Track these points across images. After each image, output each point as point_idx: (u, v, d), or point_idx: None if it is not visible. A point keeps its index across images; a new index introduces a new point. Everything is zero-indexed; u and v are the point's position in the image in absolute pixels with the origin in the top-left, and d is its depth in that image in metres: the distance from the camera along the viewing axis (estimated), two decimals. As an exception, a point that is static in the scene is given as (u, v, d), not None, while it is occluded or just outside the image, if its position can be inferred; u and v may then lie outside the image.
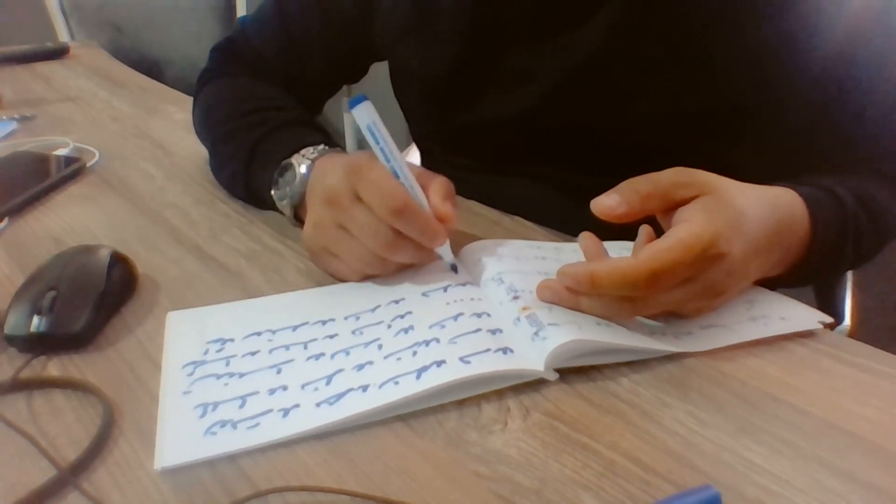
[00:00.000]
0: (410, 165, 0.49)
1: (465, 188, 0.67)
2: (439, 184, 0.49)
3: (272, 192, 0.58)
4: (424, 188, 0.48)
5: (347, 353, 0.43)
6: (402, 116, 0.79)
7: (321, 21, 0.72)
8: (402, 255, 0.47)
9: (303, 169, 0.55)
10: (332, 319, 0.46)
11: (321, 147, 0.57)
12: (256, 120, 0.64)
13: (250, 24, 0.77)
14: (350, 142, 2.30)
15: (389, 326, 0.45)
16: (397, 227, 0.45)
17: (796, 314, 0.46)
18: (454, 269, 0.50)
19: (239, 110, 0.67)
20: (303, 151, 0.57)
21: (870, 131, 0.58)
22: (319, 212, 0.49)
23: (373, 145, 0.47)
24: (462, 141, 0.70)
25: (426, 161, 0.82)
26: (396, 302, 0.47)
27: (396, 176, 0.47)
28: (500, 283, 0.47)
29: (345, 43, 0.73)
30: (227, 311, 0.48)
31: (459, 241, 0.54)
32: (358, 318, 0.46)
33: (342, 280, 0.51)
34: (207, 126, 0.71)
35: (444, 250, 0.49)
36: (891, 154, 0.59)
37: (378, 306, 0.47)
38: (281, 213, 0.59)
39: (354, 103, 0.47)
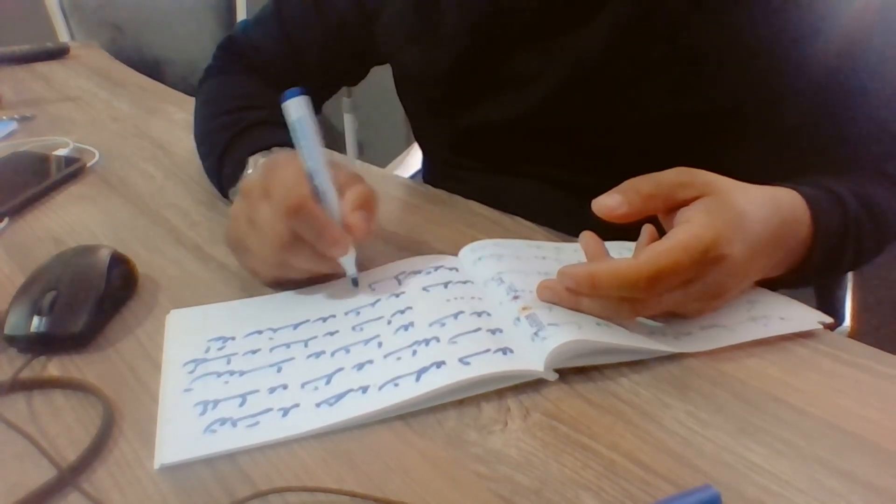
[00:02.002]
0: (344, 170, 0.48)
1: (467, 188, 0.67)
2: (356, 192, 0.48)
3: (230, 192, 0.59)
4: (343, 194, 0.47)
5: (348, 351, 0.43)
6: (403, 116, 0.79)
7: (320, 25, 0.72)
8: (299, 259, 0.46)
9: (250, 169, 0.56)
10: (333, 315, 0.47)
11: (285, 148, 0.56)
12: (230, 120, 0.64)
13: (252, 24, 0.78)
14: (350, 142, 2.30)
15: (389, 322, 0.45)
16: (293, 227, 0.44)
17: (796, 314, 0.46)
18: (354, 283, 0.48)
19: (220, 109, 0.68)
20: (265, 150, 0.57)
21: (870, 132, 0.58)
22: (236, 205, 0.49)
23: (296, 142, 0.46)
24: (465, 142, 0.70)
25: (429, 161, 0.82)
26: (397, 296, 0.47)
27: (312, 177, 0.46)
28: (500, 283, 0.47)
29: (343, 47, 0.73)
30: (228, 310, 0.48)
31: (460, 241, 0.54)
32: (358, 314, 0.46)
33: (257, 278, 0.50)
34: (195, 123, 0.72)
35: (347, 261, 0.47)
36: (891, 154, 0.59)
37: (378, 300, 0.47)
38: None
39: (289, 96, 0.46)
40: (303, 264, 0.47)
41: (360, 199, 0.47)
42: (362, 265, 0.52)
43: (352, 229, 0.46)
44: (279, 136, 0.58)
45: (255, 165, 0.56)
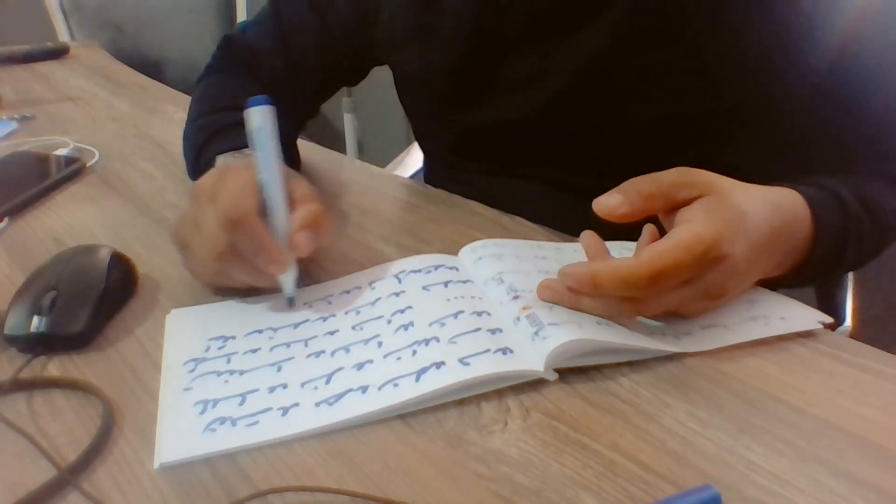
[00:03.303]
0: (302, 185, 0.48)
1: (468, 189, 0.67)
2: (306, 211, 0.46)
3: None
4: (294, 209, 0.47)
5: (348, 351, 0.43)
6: (403, 116, 0.79)
7: (317, 26, 0.72)
8: (235, 271, 0.45)
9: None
10: (333, 315, 0.47)
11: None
12: (207, 122, 0.64)
13: (251, 25, 0.78)
14: (350, 142, 2.30)
15: (389, 322, 0.45)
16: (232, 239, 0.43)
17: (797, 314, 0.46)
18: (290, 302, 0.47)
19: (202, 110, 0.68)
20: (234, 151, 0.57)
21: (871, 131, 0.58)
22: (187, 205, 0.48)
23: (252, 151, 0.46)
24: (465, 143, 0.70)
25: (429, 162, 0.82)
26: (397, 295, 0.47)
27: (264, 189, 0.45)
28: (501, 283, 0.47)
29: (341, 49, 0.73)
30: (228, 309, 0.48)
31: (460, 241, 0.54)
32: (358, 313, 0.46)
33: (197, 280, 0.50)
34: (186, 122, 0.72)
35: (285, 279, 0.46)
36: (892, 154, 0.59)
37: (378, 299, 0.47)
38: None
39: (252, 104, 0.46)
40: (240, 276, 0.46)
41: (309, 217, 0.46)
42: (363, 265, 0.52)
43: (296, 248, 0.45)
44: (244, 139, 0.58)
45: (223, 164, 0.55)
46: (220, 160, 0.57)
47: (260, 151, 0.46)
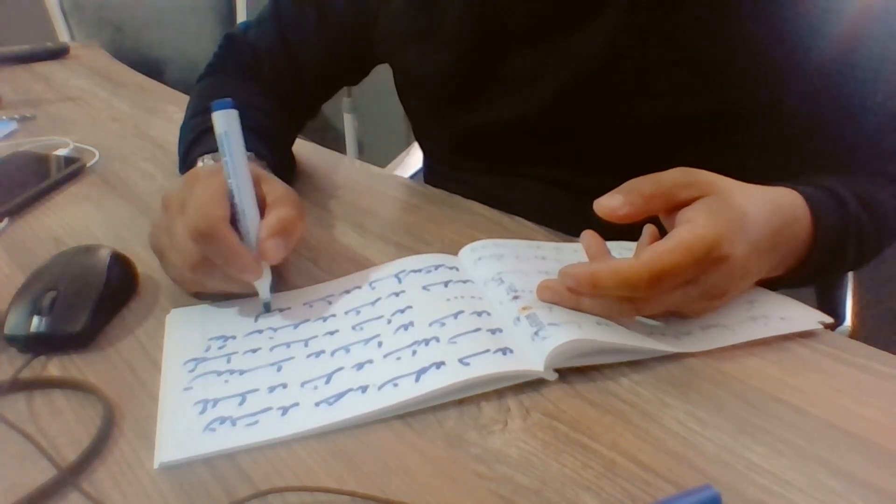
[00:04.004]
0: (275, 188, 0.47)
1: (468, 189, 0.67)
2: (275, 217, 0.46)
3: None
4: (264, 214, 0.46)
5: (347, 351, 0.43)
6: (403, 116, 0.79)
7: (317, 26, 0.72)
8: (210, 280, 0.45)
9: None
10: (333, 315, 0.47)
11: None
12: (198, 121, 0.64)
13: (252, 24, 0.78)
14: (350, 142, 2.30)
15: (389, 322, 0.45)
16: (203, 251, 0.43)
17: (797, 314, 0.46)
18: (266, 308, 0.47)
19: (195, 110, 0.68)
20: (212, 154, 0.56)
21: (870, 132, 0.58)
22: (158, 214, 0.48)
23: (221, 155, 0.45)
24: (466, 143, 0.70)
25: (429, 162, 0.82)
26: (397, 295, 0.47)
27: (233, 195, 0.45)
28: (500, 283, 0.47)
29: (342, 48, 0.73)
30: (229, 309, 0.48)
31: (460, 241, 0.54)
32: (358, 313, 0.46)
33: (177, 285, 0.50)
34: (183, 120, 0.72)
35: (261, 284, 0.46)
36: (892, 154, 0.59)
37: (378, 299, 0.47)
38: None
39: (217, 107, 0.45)
40: (214, 285, 0.46)
41: (276, 225, 0.45)
42: (363, 265, 0.52)
43: (265, 255, 0.45)
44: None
45: (202, 164, 0.54)
46: (200, 162, 0.56)
47: (227, 157, 0.45)
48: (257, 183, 0.47)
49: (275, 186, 0.49)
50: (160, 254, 0.49)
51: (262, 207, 0.47)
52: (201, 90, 0.74)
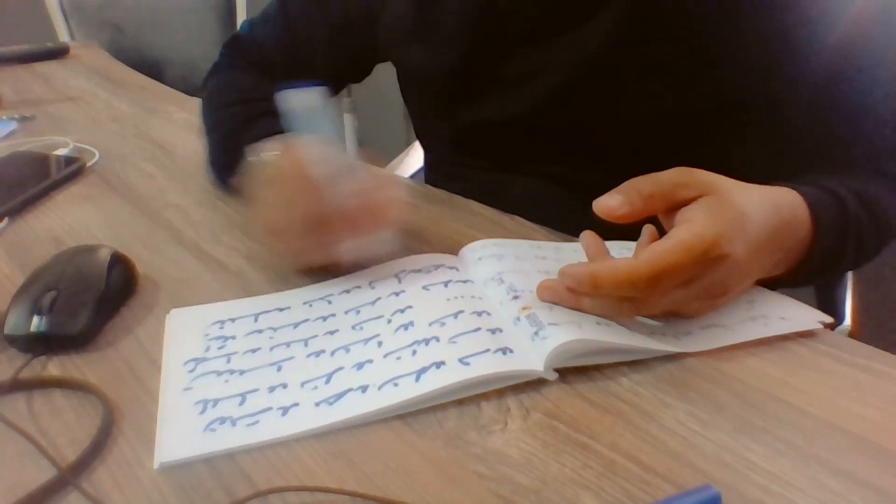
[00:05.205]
0: (352, 158, 0.50)
1: (469, 186, 0.67)
2: (377, 171, 0.49)
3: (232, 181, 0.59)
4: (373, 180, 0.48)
5: (348, 350, 0.43)
6: (403, 116, 0.79)
7: (324, 22, 0.73)
8: (339, 229, 0.47)
9: (255, 156, 0.56)
10: (333, 315, 0.47)
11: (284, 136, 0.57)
12: (230, 113, 0.65)
13: (257, 23, 0.78)
14: (350, 142, 2.30)
15: (389, 321, 0.45)
16: (331, 199, 0.45)
17: (796, 314, 0.46)
18: (388, 246, 0.50)
19: (221, 103, 0.69)
20: (264, 142, 0.57)
21: (870, 130, 0.58)
22: (261, 191, 0.49)
23: (312, 128, 0.47)
24: (467, 140, 0.71)
25: (430, 160, 0.82)
26: (397, 294, 0.47)
27: (331, 159, 0.47)
28: (501, 283, 0.47)
29: (348, 44, 0.74)
30: (229, 309, 0.48)
31: (459, 241, 0.54)
32: (358, 312, 0.46)
33: (290, 263, 0.51)
34: (201, 118, 0.73)
35: (379, 240, 0.49)
36: (892, 154, 0.59)
37: (378, 298, 0.47)
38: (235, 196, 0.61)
39: (305, 86, 0.47)
40: (343, 233, 0.47)
41: (383, 178, 0.49)
42: (363, 264, 0.52)
43: (380, 210, 0.47)
44: (279, 126, 0.58)
45: (262, 154, 0.56)
46: (258, 150, 0.57)
47: (321, 127, 0.47)
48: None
49: (352, 157, 0.51)
50: (272, 230, 0.50)
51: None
52: (222, 85, 0.74)
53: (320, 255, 0.49)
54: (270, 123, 0.60)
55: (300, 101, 0.47)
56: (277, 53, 0.75)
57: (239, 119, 0.63)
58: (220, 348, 0.44)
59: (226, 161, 0.61)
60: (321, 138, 0.47)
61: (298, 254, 0.49)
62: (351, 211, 0.47)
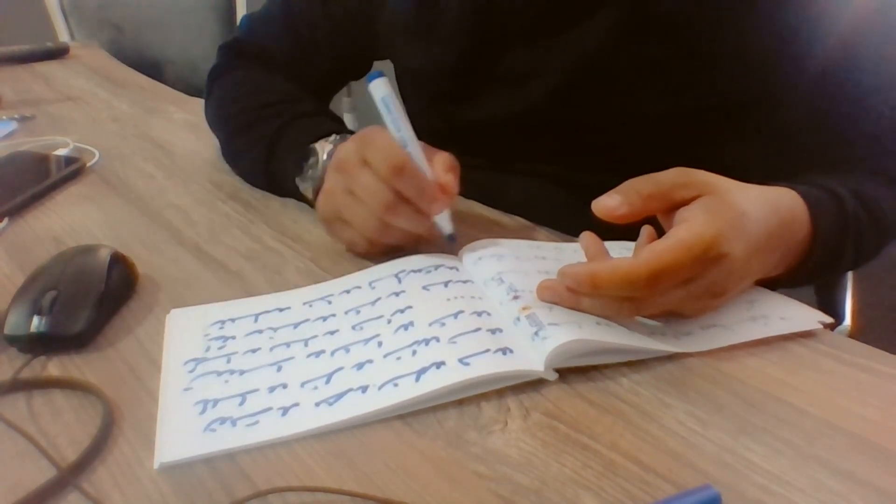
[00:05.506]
0: (420, 143, 0.51)
1: (467, 186, 0.67)
2: (444, 157, 0.51)
3: (296, 179, 0.60)
4: (429, 161, 0.51)
5: (347, 351, 0.43)
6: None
7: (326, 19, 0.73)
8: (401, 220, 0.49)
9: (324, 155, 0.57)
10: (333, 315, 0.47)
11: (342, 135, 0.59)
12: (273, 112, 0.66)
13: (257, 22, 0.78)
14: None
15: (389, 321, 0.45)
16: (397, 187, 0.47)
17: (796, 314, 0.46)
18: (451, 239, 0.51)
19: (257, 103, 0.69)
20: (327, 138, 0.58)
21: (869, 130, 0.58)
22: (331, 180, 0.51)
23: (385, 116, 0.50)
24: (465, 138, 0.70)
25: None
26: (397, 294, 0.47)
27: (404, 146, 0.49)
28: (501, 283, 0.47)
29: (350, 41, 0.74)
30: (229, 309, 0.48)
31: (459, 242, 0.54)
32: (358, 312, 0.46)
33: (353, 250, 0.54)
34: (222, 119, 0.73)
35: (443, 219, 0.51)
36: (890, 153, 0.59)
37: (378, 298, 0.47)
38: (302, 200, 0.62)
39: (372, 78, 0.51)
40: (404, 224, 0.49)
41: (449, 163, 0.51)
42: (363, 265, 0.52)
43: (446, 189, 0.49)
44: (330, 125, 0.61)
45: (331, 152, 0.57)
46: (321, 147, 0.58)
47: (392, 114, 0.50)
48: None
49: (421, 143, 0.52)
50: (336, 217, 0.52)
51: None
52: (239, 88, 0.74)
53: (379, 238, 0.51)
54: (322, 122, 0.62)
55: (379, 89, 0.50)
56: (281, 52, 0.75)
57: (285, 117, 0.64)
58: (220, 348, 0.44)
59: (282, 164, 0.62)
60: (401, 122, 0.50)
61: (383, 233, 0.50)
62: (447, 183, 0.49)
